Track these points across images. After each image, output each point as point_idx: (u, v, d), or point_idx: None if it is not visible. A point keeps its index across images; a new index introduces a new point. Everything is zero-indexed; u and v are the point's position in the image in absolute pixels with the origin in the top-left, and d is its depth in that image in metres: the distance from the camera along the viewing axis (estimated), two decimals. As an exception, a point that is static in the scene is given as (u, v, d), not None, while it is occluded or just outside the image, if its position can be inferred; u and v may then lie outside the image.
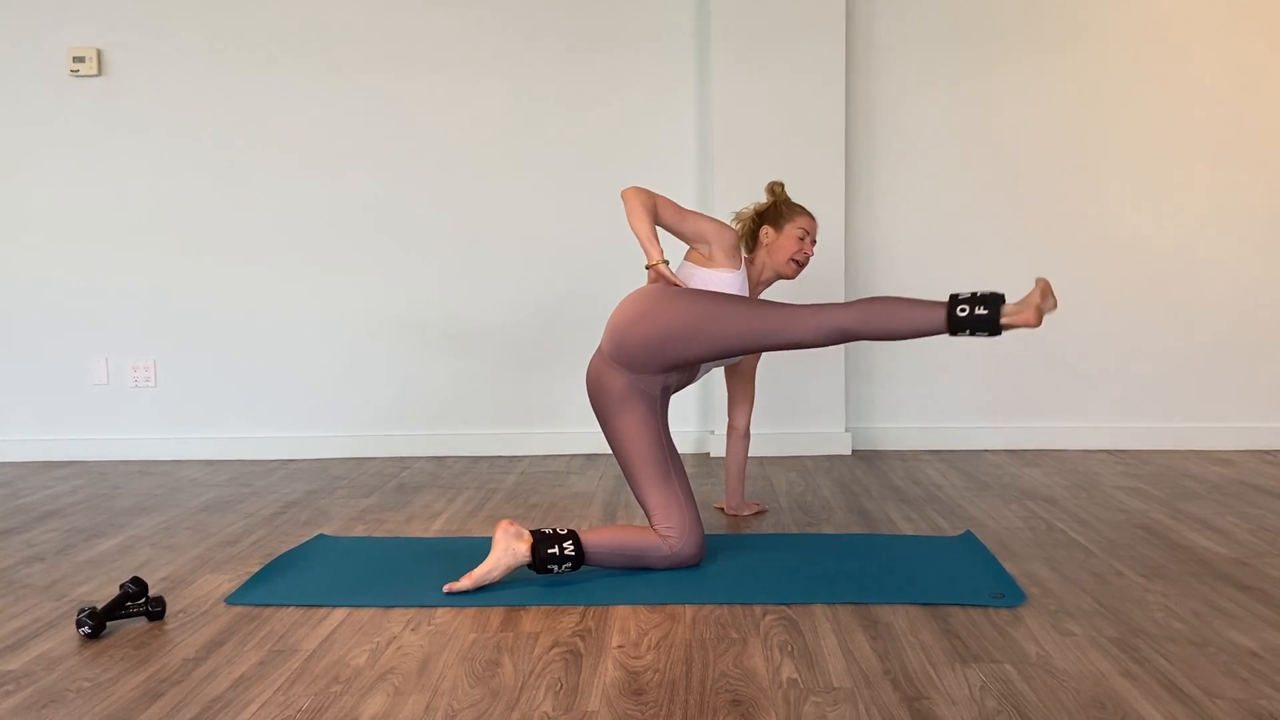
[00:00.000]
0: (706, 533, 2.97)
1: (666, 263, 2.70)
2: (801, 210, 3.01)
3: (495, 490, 3.66)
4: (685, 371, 2.78)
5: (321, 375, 4.35)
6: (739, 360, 3.12)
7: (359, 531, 3.11)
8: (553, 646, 2.13)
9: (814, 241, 3.01)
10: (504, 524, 2.55)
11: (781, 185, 3.05)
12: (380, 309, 4.32)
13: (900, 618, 2.27)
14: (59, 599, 2.49)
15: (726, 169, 4.13)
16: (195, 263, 4.32)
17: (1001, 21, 4.20)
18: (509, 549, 2.50)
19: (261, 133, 4.27)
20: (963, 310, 2.51)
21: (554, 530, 2.54)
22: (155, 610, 2.33)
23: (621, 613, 2.32)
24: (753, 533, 3.03)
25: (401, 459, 4.28)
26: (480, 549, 2.65)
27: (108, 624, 2.27)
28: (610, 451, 4.31)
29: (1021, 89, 4.22)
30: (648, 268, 2.71)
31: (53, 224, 4.32)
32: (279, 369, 4.35)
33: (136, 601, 2.31)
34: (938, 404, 4.32)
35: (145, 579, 2.58)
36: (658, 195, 2.79)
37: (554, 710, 1.82)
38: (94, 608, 2.23)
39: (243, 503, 3.51)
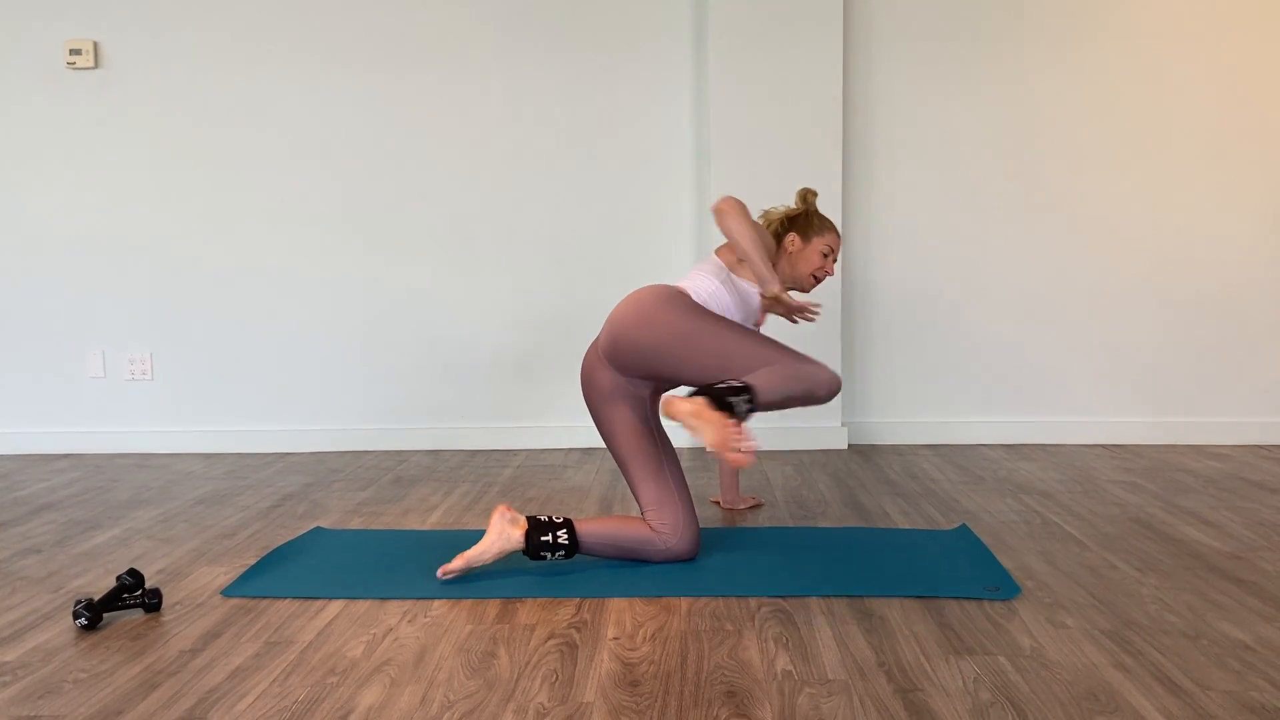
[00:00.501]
0: (702, 526, 2.98)
1: (789, 292, 2.63)
2: (831, 226, 2.92)
3: (492, 484, 3.66)
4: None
5: (318, 369, 4.35)
6: None
7: (356, 524, 3.11)
8: (549, 638, 2.13)
9: (836, 260, 2.94)
10: (500, 509, 2.58)
11: (815, 194, 2.96)
12: (376, 303, 4.32)
13: (895, 610, 2.27)
14: (55, 591, 2.49)
15: (724, 164, 4.13)
16: (192, 256, 4.32)
17: (998, 16, 4.20)
18: (503, 533, 2.53)
19: (258, 126, 4.27)
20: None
21: (550, 518, 2.56)
22: (152, 602, 2.33)
23: (617, 605, 2.33)
24: (748, 526, 3.03)
25: (398, 452, 4.28)
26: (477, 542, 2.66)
27: (104, 616, 2.28)
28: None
29: (1018, 84, 4.22)
30: (766, 297, 2.60)
31: (49, 217, 4.31)
32: (275, 363, 4.35)
33: (133, 593, 2.32)
34: (933, 399, 4.32)
35: (142, 571, 2.59)
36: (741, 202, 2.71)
37: (550, 701, 1.83)
38: (91, 599, 2.24)
39: (239, 496, 3.51)
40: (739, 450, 2.19)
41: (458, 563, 2.50)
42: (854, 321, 4.31)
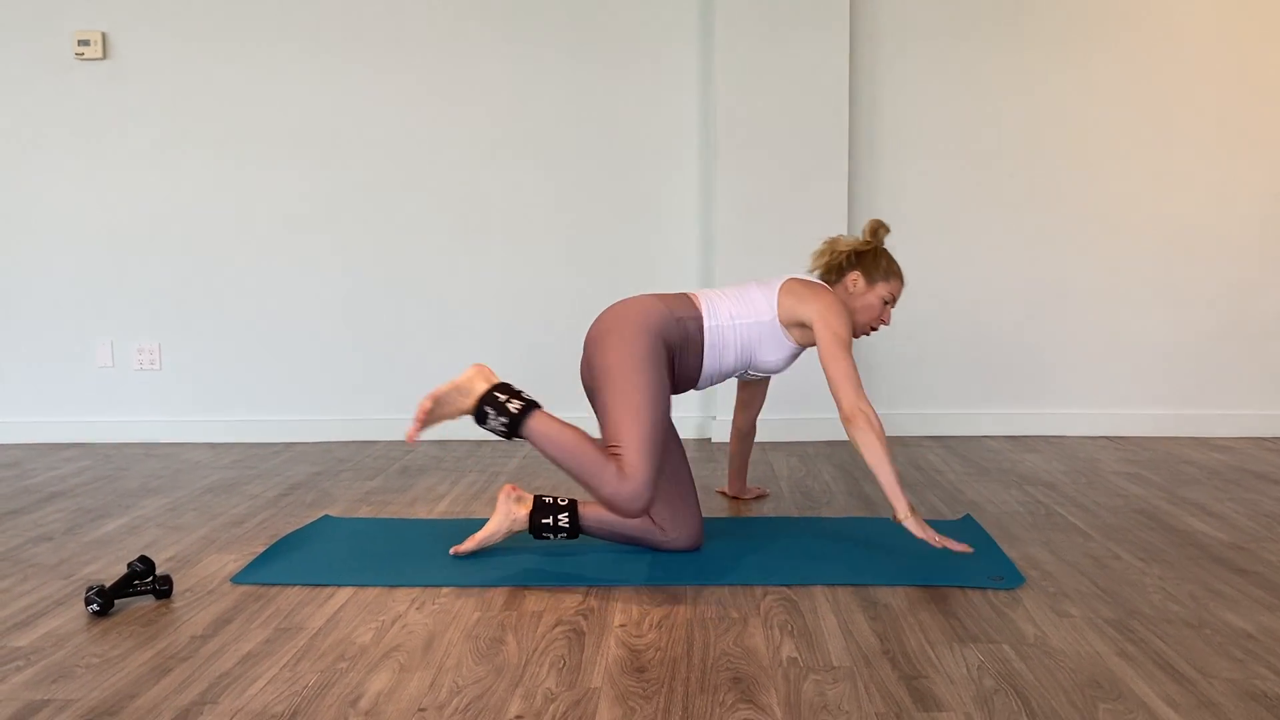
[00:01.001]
0: (708, 516, 3.00)
1: (915, 512, 2.49)
2: (898, 272, 2.76)
3: (498, 473, 3.68)
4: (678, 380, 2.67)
5: (325, 359, 4.37)
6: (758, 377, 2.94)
7: (363, 513, 3.13)
8: (556, 625, 2.15)
9: (893, 308, 2.79)
10: (506, 488, 2.63)
11: (887, 230, 2.76)
12: (384, 294, 4.34)
13: (899, 599, 2.29)
14: (67, 578, 2.52)
15: (730, 158, 4.13)
16: (199, 246, 4.34)
17: (1004, 11, 4.20)
18: (510, 513, 2.58)
19: (267, 118, 4.28)
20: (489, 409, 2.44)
21: (554, 499, 2.59)
22: (163, 589, 2.35)
23: (623, 593, 2.35)
24: (754, 516, 3.05)
25: (404, 442, 4.30)
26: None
27: (116, 602, 2.30)
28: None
29: (1024, 77, 4.23)
30: (897, 520, 2.49)
31: (57, 207, 4.33)
32: (282, 353, 4.37)
33: (144, 580, 2.34)
34: (938, 390, 4.33)
35: (152, 558, 2.61)
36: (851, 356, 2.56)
37: (557, 687, 1.85)
38: (102, 586, 2.26)
39: (247, 484, 3.54)
40: (412, 427, 2.39)
41: (469, 544, 2.58)
42: (859, 313, 4.31)
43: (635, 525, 2.61)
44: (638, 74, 4.25)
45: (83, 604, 2.32)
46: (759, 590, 2.36)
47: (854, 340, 2.76)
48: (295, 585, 2.43)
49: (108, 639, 2.11)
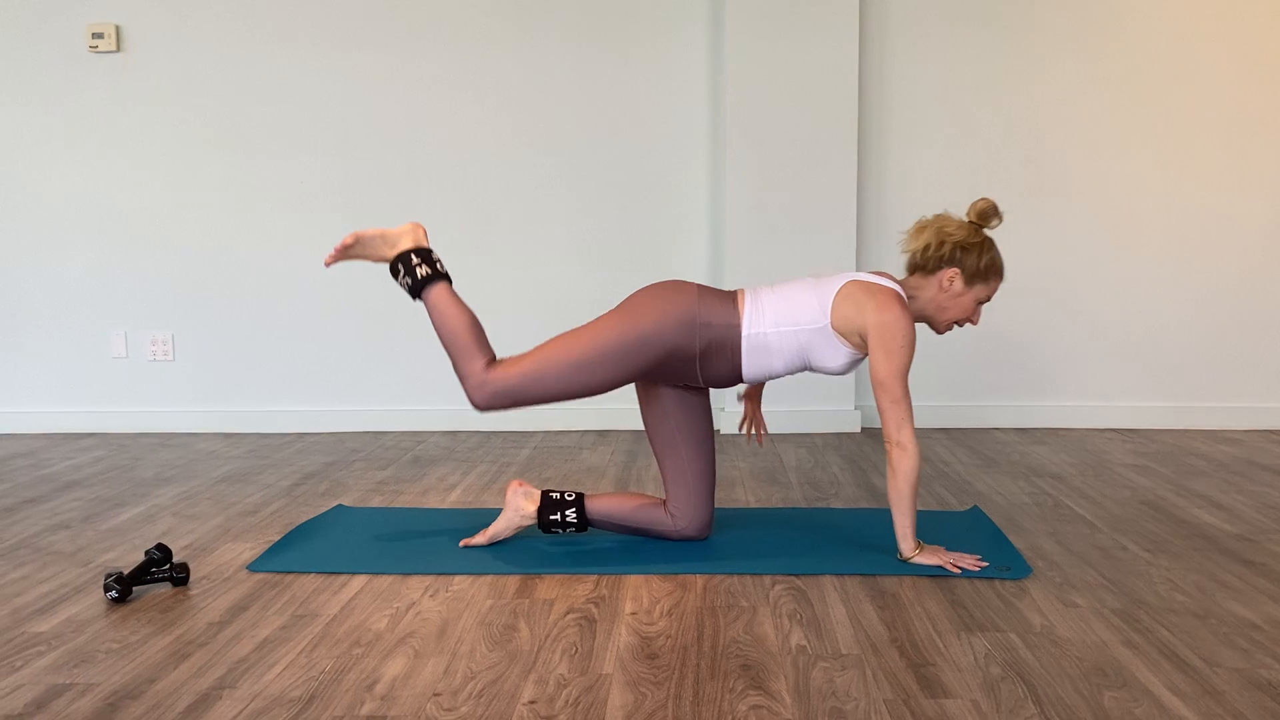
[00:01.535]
0: (719, 507, 3.02)
1: (922, 548, 2.45)
2: (1001, 270, 2.50)
3: (509, 464, 3.71)
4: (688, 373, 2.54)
5: (337, 350, 4.40)
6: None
7: (376, 502, 3.17)
8: (568, 612, 2.18)
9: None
10: (514, 484, 2.67)
11: (1000, 219, 2.46)
12: (394, 286, 4.37)
13: (907, 588, 2.31)
14: (85, 565, 2.55)
15: (739, 148, 4.15)
16: (213, 238, 4.37)
17: (1014, 2, 4.21)
18: (518, 509, 2.62)
19: (279, 109, 4.31)
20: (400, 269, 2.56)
21: (562, 495, 2.62)
22: (180, 576, 2.38)
23: (634, 581, 2.37)
24: (762, 506, 3.07)
25: (416, 433, 4.34)
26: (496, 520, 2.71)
27: (134, 589, 2.33)
28: (623, 428, 4.38)
29: (1034, 66, 4.23)
30: (903, 558, 2.46)
31: (72, 199, 4.37)
32: (294, 343, 4.40)
33: (161, 567, 2.37)
34: (946, 382, 4.35)
35: (169, 546, 2.64)
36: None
37: (570, 673, 1.88)
38: (120, 573, 2.29)
39: (261, 474, 3.57)
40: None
41: (480, 538, 2.62)
42: (868, 305, 4.33)
43: (643, 516, 2.63)
44: (648, 63, 4.27)
45: (101, 590, 2.35)
46: (768, 579, 2.38)
47: (936, 330, 2.56)
48: (310, 573, 2.46)
49: (127, 625, 2.14)
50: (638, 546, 2.62)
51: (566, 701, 1.76)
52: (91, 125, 4.33)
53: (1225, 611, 2.16)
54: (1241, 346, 4.30)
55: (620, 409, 4.36)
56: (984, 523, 2.83)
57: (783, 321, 2.46)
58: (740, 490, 3.28)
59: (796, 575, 2.41)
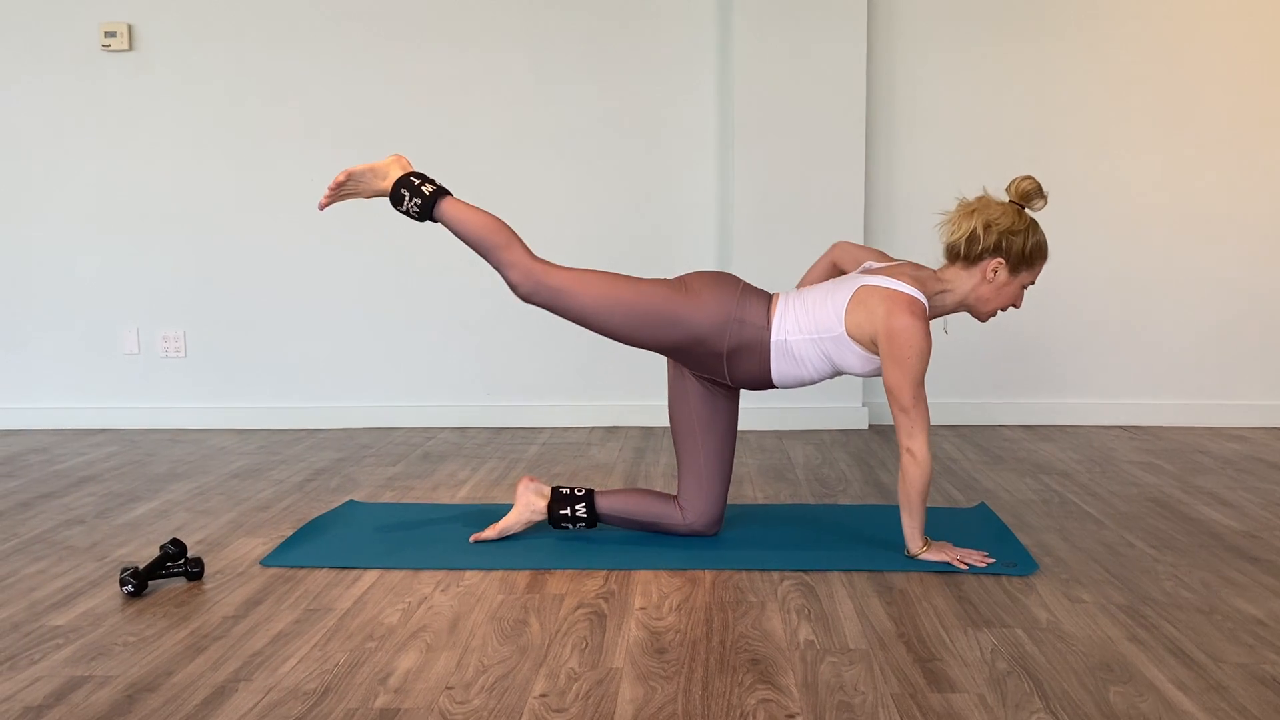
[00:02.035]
0: (730, 502, 3.03)
1: (930, 544, 2.46)
2: (1045, 251, 2.43)
3: (518, 460, 3.73)
4: (710, 367, 2.54)
5: (347, 346, 4.43)
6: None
7: (387, 498, 3.19)
8: (578, 607, 2.20)
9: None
10: (525, 480, 2.70)
11: (1044, 199, 2.40)
12: (404, 282, 4.39)
13: (915, 584, 2.33)
14: (100, 560, 2.58)
15: (747, 142, 4.16)
16: (224, 236, 4.40)
17: (1023, -1, 4.22)
18: (529, 504, 2.65)
19: (288, 104, 4.33)
20: (404, 192, 2.55)
21: (572, 490, 2.65)
22: (194, 571, 2.41)
23: (643, 577, 2.40)
24: (771, 503, 3.09)
25: (425, 429, 4.36)
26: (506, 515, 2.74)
27: (149, 583, 2.36)
28: (631, 425, 4.40)
29: (1041, 62, 4.24)
30: (910, 555, 2.46)
31: (85, 196, 4.40)
32: (305, 340, 4.43)
33: (176, 562, 2.40)
34: (953, 380, 4.36)
35: (183, 541, 2.67)
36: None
37: (580, 667, 1.90)
38: (136, 567, 2.32)
39: (272, 470, 3.60)
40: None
41: (490, 532, 2.65)
42: (876, 303, 4.34)
43: (653, 512, 2.66)
44: (656, 60, 4.28)
45: (117, 585, 2.38)
46: (776, 575, 2.40)
47: (979, 318, 2.50)
48: (323, 568, 2.49)
49: (143, 619, 2.17)
50: (647, 542, 2.64)
51: (577, 695, 1.79)
52: (104, 124, 4.36)
53: (1230, 608, 2.17)
54: (1249, 344, 4.31)
55: (628, 406, 4.38)
56: (991, 519, 2.84)
57: (805, 329, 2.45)
58: (748, 486, 3.30)
59: (805, 571, 2.43)
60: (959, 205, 2.49)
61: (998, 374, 4.37)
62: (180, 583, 2.40)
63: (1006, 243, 2.39)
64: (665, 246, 4.34)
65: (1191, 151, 4.25)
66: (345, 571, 2.46)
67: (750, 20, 4.13)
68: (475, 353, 4.42)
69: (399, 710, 1.74)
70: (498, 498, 3.19)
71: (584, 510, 2.63)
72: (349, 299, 4.41)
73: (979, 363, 4.36)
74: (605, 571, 2.44)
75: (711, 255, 4.35)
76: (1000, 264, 2.41)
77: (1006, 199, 2.47)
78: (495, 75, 4.30)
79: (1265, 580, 2.34)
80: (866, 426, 4.30)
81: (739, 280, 2.55)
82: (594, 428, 4.37)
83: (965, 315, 2.60)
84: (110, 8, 4.29)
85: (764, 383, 2.55)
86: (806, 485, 3.32)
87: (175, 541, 2.41)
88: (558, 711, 1.73)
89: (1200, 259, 4.29)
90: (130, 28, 4.30)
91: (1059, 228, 4.28)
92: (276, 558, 2.56)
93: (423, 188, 2.54)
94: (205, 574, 2.46)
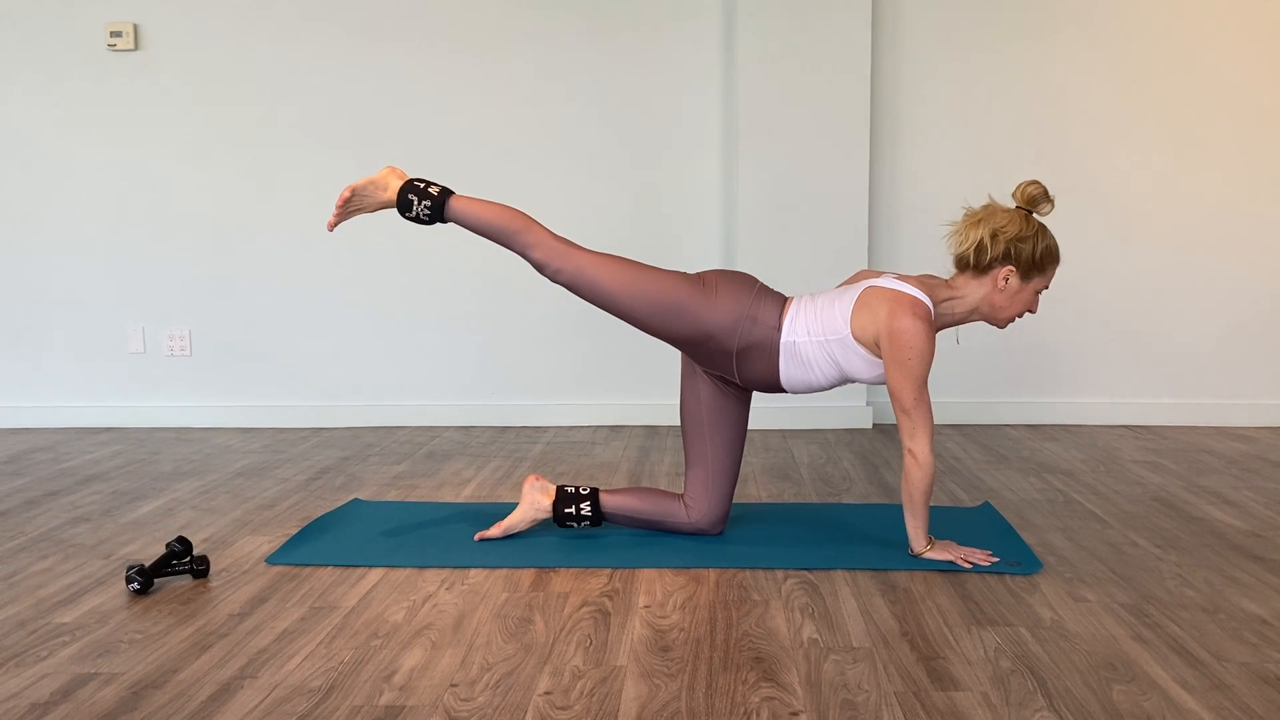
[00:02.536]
0: (734, 501, 3.04)
1: (934, 543, 2.48)
2: (1057, 255, 2.42)
3: (523, 459, 3.74)
4: (721, 364, 2.55)
5: (351, 346, 4.44)
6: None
7: (392, 496, 3.20)
8: (582, 606, 2.21)
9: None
10: (531, 479, 2.71)
11: (1051, 204, 2.39)
12: (409, 281, 4.40)
13: (918, 583, 2.33)
14: (106, 557, 2.59)
15: (751, 141, 4.16)
16: (229, 234, 4.41)
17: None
18: (534, 503, 2.66)
19: (295, 106, 4.34)
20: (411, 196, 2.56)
21: (576, 489, 2.66)
22: (200, 569, 2.42)
23: (647, 575, 2.40)
24: (775, 502, 3.10)
25: (430, 428, 4.37)
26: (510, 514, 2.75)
27: (155, 581, 2.37)
28: (635, 424, 4.41)
29: (1047, 62, 4.24)
30: (914, 554, 2.48)
31: (90, 196, 4.41)
32: (310, 339, 4.44)
33: (182, 560, 2.41)
34: (958, 379, 4.36)
35: (189, 539, 2.68)
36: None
37: (584, 665, 1.91)
38: (142, 565, 2.33)
39: (277, 468, 3.61)
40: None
41: (495, 530, 2.66)
42: (880, 302, 4.34)
43: (658, 511, 2.66)
44: (660, 59, 4.29)
45: (123, 582, 2.39)
46: (780, 574, 2.41)
47: (998, 325, 2.49)
48: (328, 566, 2.49)
49: (149, 616, 2.18)
50: (651, 541, 2.64)
51: (581, 693, 1.79)
52: (110, 123, 4.37)
53: (1234, 607, 2.17)
54: (1254, 344, 4.30)
55: (633, 405, 4.39)
56: (995, 518, 2.85)
57: (814, 331, 2.46)
58: (752, 485, 3.30)
59: (808, 569, 2.43)
60: (965, 215, 2.47)
61: (1002, 373, 4.37)
62: (186, 580, 2.41)
63: (1015, 250, 2.38)
64: (670, 246, 4.34)
65: (1198, 151, 4.24)
66: (350, 569, 2.47)
67: (754, 18, 4.13)
68: (480, 352, 4.43)
69: (404, 708, 1.74)
70: (502, 496, 3.19)
71: (589, 509, 2.65)
72: (354, 298, 4.42)
73: (983, 362, 4.36)
74: (609, 570, 2.44)
75: (716, 254, 4.35)
76: (1011, 271, 2.40)
77: (1013, 205, 2.46)
78: (501, 74, 4.31)
79: (1269, 580, 2.34)
80: (871, 426, 4.30)
81: (756, 281, 2.56)
82: (598, 427, 4.37)
83: (979, 326, 2.59)
84: (116, 7, 4.30)
85: (773, 385, 2.55)
86: (810, 484, 3.33)
87: (181, 539, 2.42)
88: (562, 709, 1.73)
89: (1205, 259, 4.28)
90: (136, 27, 4.31)
91: (1065, 229, 4.28)
92: (282, 556, 2.56)
93: (429, 190, 2.55)
94: (211, 572, 2.46)
